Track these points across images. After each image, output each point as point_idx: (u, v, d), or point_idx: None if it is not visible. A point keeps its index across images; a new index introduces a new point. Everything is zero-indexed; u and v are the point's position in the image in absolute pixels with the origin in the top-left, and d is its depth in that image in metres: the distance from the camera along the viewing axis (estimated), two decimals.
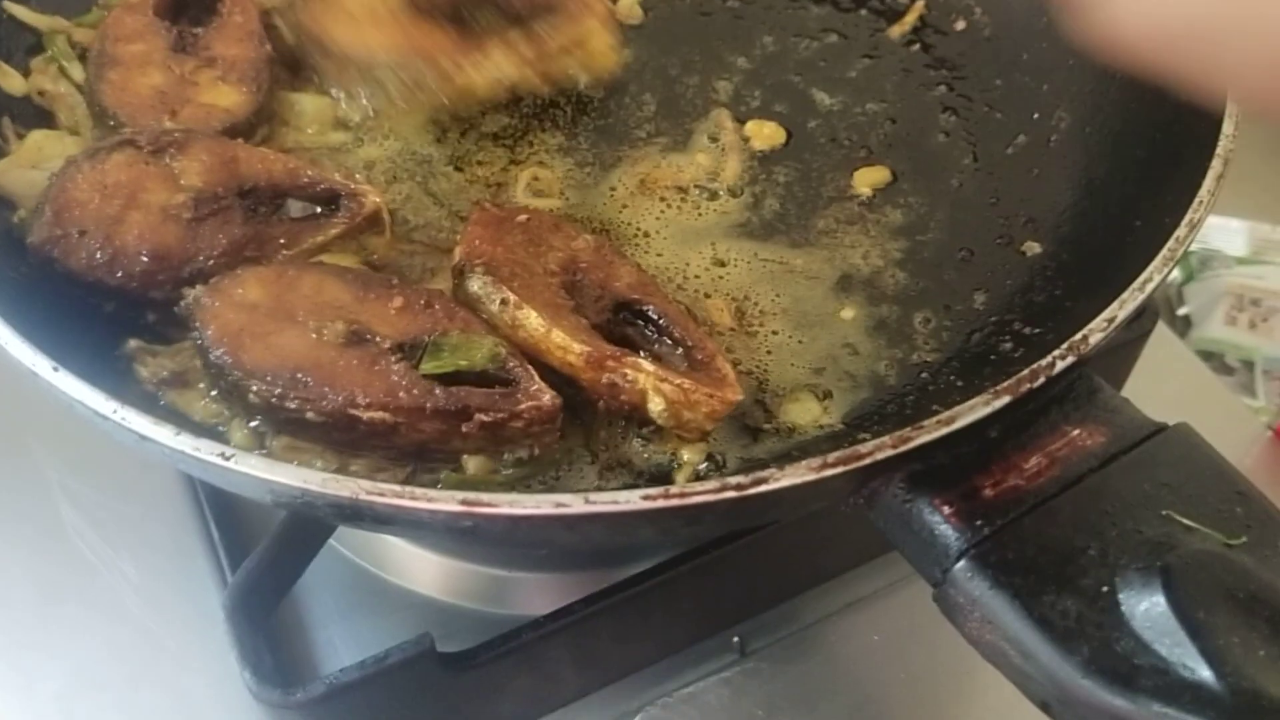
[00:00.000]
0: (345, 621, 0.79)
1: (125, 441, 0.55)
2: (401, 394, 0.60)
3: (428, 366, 0.62)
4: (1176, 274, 1.17)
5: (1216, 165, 0.63)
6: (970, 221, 0.76)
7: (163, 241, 0.67)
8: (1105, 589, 0.50)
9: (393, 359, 0.61)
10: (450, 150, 0.79)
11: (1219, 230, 1.19)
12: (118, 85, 0.76)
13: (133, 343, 0.67)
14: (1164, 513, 0.52)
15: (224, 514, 0.80)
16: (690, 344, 0.64)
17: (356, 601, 0.80)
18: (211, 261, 0.67)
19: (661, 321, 0.65)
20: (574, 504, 0.50)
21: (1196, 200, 0.61)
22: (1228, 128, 0.64)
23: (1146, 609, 0.49)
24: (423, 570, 0.80)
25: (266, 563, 0.65)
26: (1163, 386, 0.91)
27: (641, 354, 0.63)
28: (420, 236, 0.75)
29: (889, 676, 0.77)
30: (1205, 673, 0.46)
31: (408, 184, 0.77)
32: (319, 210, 0.72)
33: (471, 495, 0.51)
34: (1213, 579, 0.49)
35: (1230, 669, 0.46)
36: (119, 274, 0.66)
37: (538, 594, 0.79)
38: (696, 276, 0.73)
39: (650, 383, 0.61)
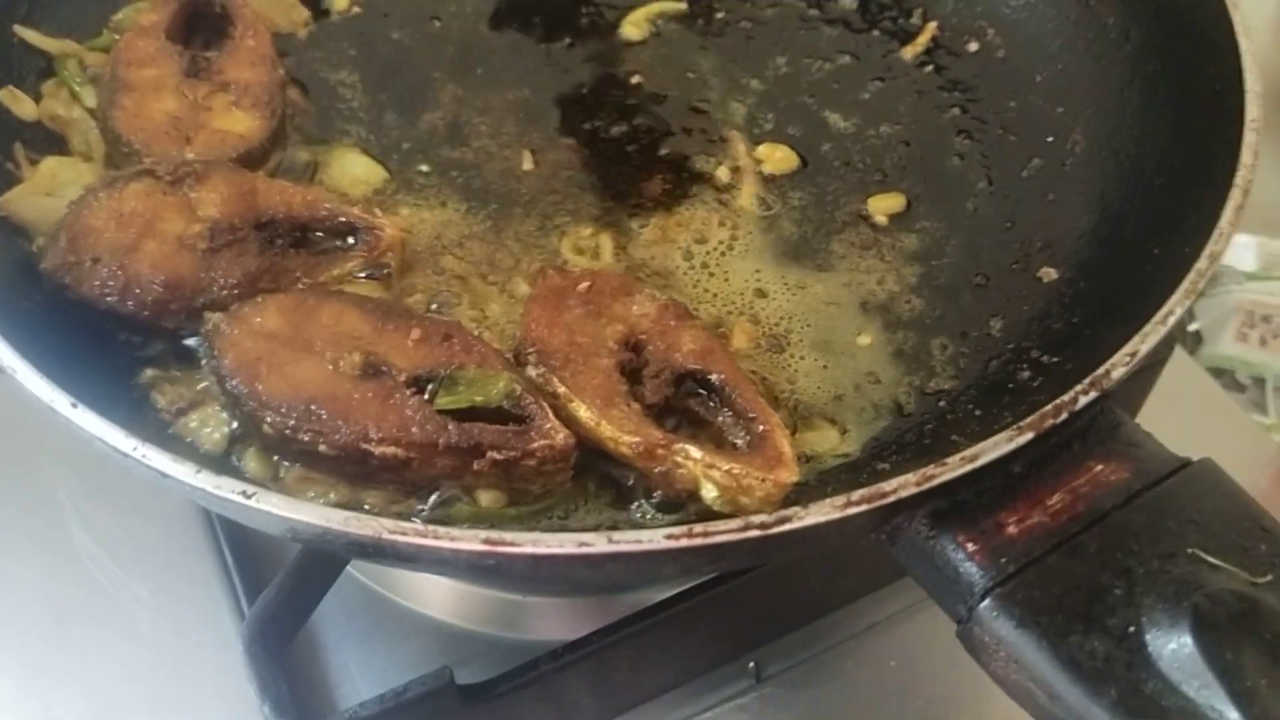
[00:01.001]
0: (362, 648, 0.78)
1: (145, 478, 0.55)
2: (414, 429, 0.60)
3: (442, 402, 0.61)
4: None
5: (1236, 196, 0.62)
6: (986, 246, 0.76)
7: (176, 271, 0.67)
8: (1132, 629, 0.49)
9: (408, 393, 0.61)
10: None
11: (1229, 246, 1.19)
12: (131, 111, 0.76)
13: (149, 372, 0.67)
14: (1190, 551, 0.52)
15: (239, 539, 0.80)
16: (751, 415, 0.62)
17: (373, 628, 0.80)
18: (225, 292, 0.67)
19: (725, 390, 0.63)
20: (597, 543, 0.50)
21: (1216, 232, 0.61)
22: (1246, 157, 0.64)
23: (1174, 650, 0.48)
24: (439, 597, 0.80)
25: (284, 594, 0.65)
26: (1174, 405, 0.91)
27: (696, 439, 0.61)
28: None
29: (905, 702, 0.77)
30: (1234, 715, 0.46)
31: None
32: (337, 243, 0.71)
33: (495, 535, 0.51)
34: (1240, 619, 0.49)
35: (1259, 711, 0.46)
36: (130, 302, 0.66)
37: (555, 619, 0.79)
38: (733, 301, 0.73)
39: (700, 469, 0.59)
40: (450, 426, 0.60)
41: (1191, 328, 1.16)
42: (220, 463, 0.63)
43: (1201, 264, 0.60)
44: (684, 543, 0.50)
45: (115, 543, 0.84)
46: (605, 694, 0.71)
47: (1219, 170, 0.65)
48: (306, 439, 0.60)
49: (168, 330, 0.67)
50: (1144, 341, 0.57)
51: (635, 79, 0.86)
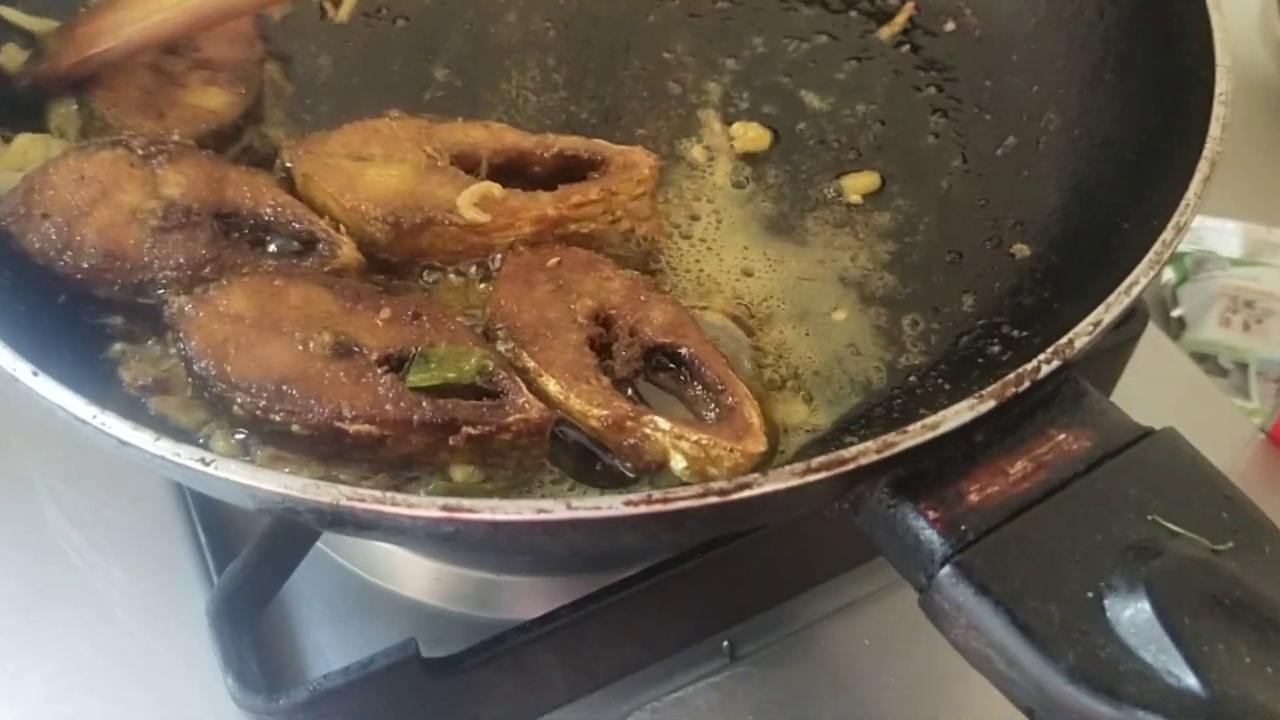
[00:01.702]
0: (333, 626, 0.78)
1: (106, 447, 0.55)
2: (388, 406, 0.60)
3: (414, 379, 0.61)
4: (1171, 276, 1.17)
5: (1203, 167, 0.62)
6: (959, 224, 0.76)
7: (119, 242, 0.66)
8: (1090, 595, 0.49)
9: (380, 371, 0.61)
10: None
11: (1214, 232, 1.19)
12: (108, 85, 0.75)
13: (116, 347, 0.67)
14: (1150, 518, 0.52)
15: (211, 518, 0.80)
16: (720, 387, 0.63)
17: (345, 606, 0.80)
18: (164, 274, 0.66)
19: (695, 363, 0.64)
20: (555, 509, 0.50)
21: (1183, 203, 0.61)
22: (1214, 130, 0.64)
23: (1132, 615, 0.48)
24: (412, 575, 0.80)
25: (251, 568, 0.65)
26: (1155, 389, 0.91)
27: (662, 414, 0.61)
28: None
29: (879, 681, 0.77)
30: (1190, 680, 0.46)
31: None
32: (294, 247, 0.70)
33: (453, 501, 0.50)
34: (1198, 585, 0.49)
35: (1216, 675, 0.46)
36: (64, 264, 0.66)
37: (527, 598, 0.79)
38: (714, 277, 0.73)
39: (669, 440, 0.60)
40: (424, 403, 0.60)
41: (1175, 314, 1.15)
42: (188, 440, 0.63)
43: (1167, 235, 0.60)
44: (643, 509, 0.50)
45: (89, 523, 0.84)
46: (575, 670, 0.71)
47: (1188, 144, 0.65)
48: (279, 419, 0.60)
49: (104, 300, 0.67)
50: (1108, 311, 0.57)
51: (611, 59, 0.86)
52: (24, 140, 0.76)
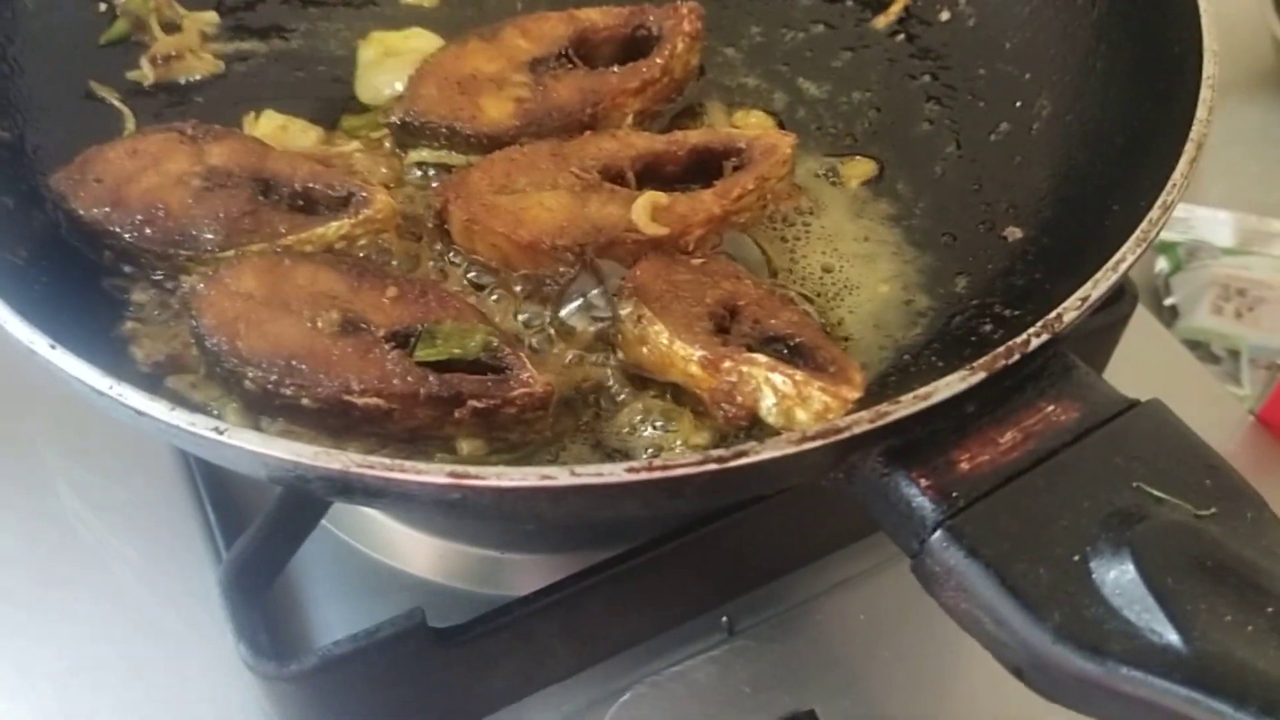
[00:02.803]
0: (341, 603, 0.80)
1: (121, 418, 0.56)
2: (395, 380, 0.62)
3: (421, 354, 0.63)
4: (1164, 265, 1.18)
5: (1190, 149, 0.64)
6: (953, 208, 0.78)
7: (164, 200, 0.71)
8: (1077, 558, 0.51)
9: (387, 347, 0.63)
10: None
11: (1207, 221, 1.20)
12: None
13: (129, 324, 0.69)
14: (1135, 485, 0.53)
15: (220, 497, 0.81)
16: (828, 357, 0.63)
17: (353, 584, 0.81)
18: (205, 228, 0.69)
19: (807, 348, 0.64)
20: (559, 476, 0.52)
21: (1170, 183, 0.62)
22: (1201, 113, 0.65)
23: (1116, 577, 0.50)
24: (418, 552, 0.82)
25: (261, 539, 0.66)
26: (1147, 374, 0.92)
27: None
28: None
29: (875, 655, 0.78)
30: (1172, 636, 0.48)
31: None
32: (327, 208, 0.73)
33: (459, 468, 0.52)
34: (1181, 548, 0.50)
35: (1197, 633, 0.48)
36: (113, 222, 0.70)
37: (531, 575, 0.80)
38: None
39: (763, 375, 0.61)
40: (431, 377, 0.62)
41: (1168, 302, 1.17)
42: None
43: (1154, 214, 0.61)
44: (644, 476, 0.52)
45: (101, 501, 0.85)
46: (577, 641, 0.73)
47: (1176, 128, 0.67)
48: (289, 393, 0.62)
49: (144, 259, 0.70)
50: (1095, 287, 0.58)
51: None
52: None
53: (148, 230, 0.70)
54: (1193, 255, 1.20)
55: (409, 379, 0.62)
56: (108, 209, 0.70)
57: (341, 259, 0.70)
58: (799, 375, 0.60)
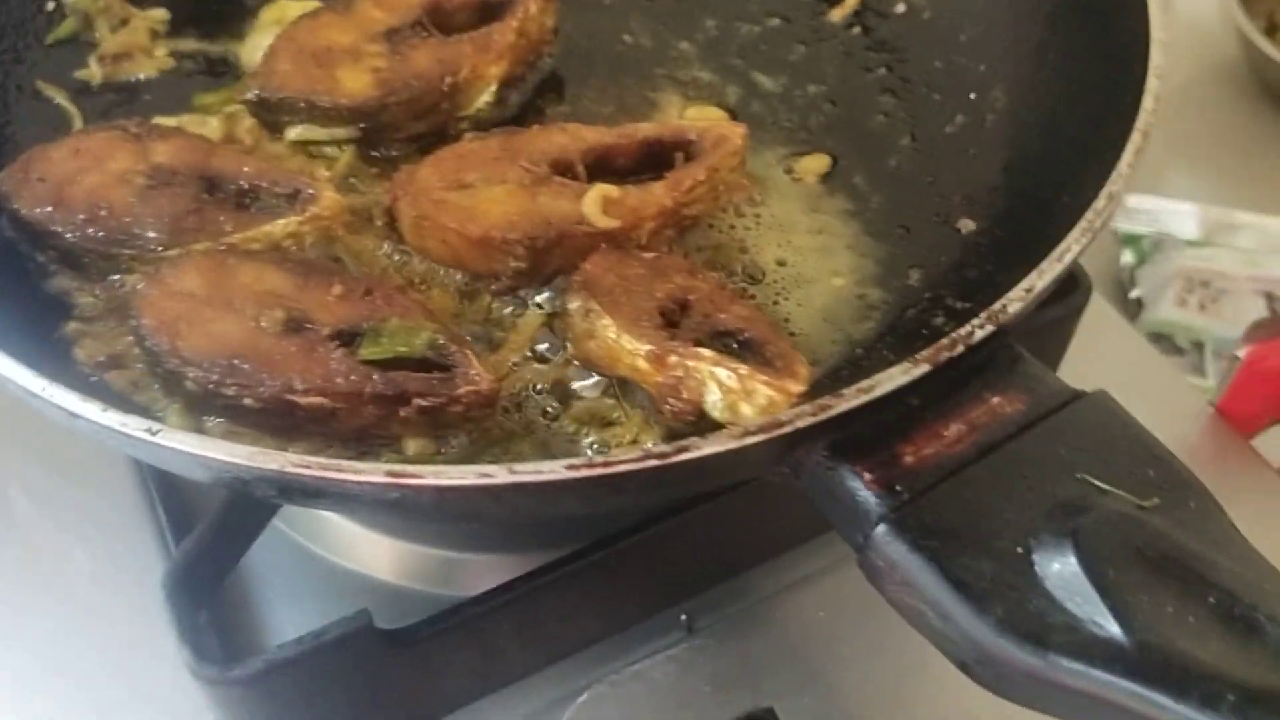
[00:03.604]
0: (296, 606, 0.79)
1: (56, 419, 0.56)
2: (339, 379, 0.61)
3: (366, 353, 0.62)
4: (1130, 258, 1.19)
5: (1136, 139, 0.64)
6: (908, 201, 0.77)
7: (108, 199, 0.70)
8: (1020, 550, 0.50)
9: (332, 345, 0.62)
10: None
11: (1171, 214, 1.21)
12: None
13: (71, 325, 0.68)
14: (1079, 476, 0.53)
15: (172, 501, 0.80)
16: (775, 352, 0.63)
17: (309, 587, 0.80)
18: (150, 229, 0.69)
19: (756, 343, 0.64)
20: (498, 474, 0.51)
21: (1115, 173, 0.62)
22: (1148, 103, 0.65)
23: (1059, 569, 0.49)
24: (375, 554, 0.81)
25: (207, 541, 0.66)
26: (1109, 368, 0.92)
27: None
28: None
29: (834, 652, 0.78)
30: (1114, 628, 0.47)
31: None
32: (275, 204, 0.72)
33: (397, 467, 0.51)
34: (1124, 539, 0.50)
35: (1139, 624, 0.47)
36: (57, 222, 0.69)
37: (490, 576, 0.79)
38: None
39: (708, 370, 0.61)
40: (375, 375, 0.61)
41: (1133, 295, 1.17)
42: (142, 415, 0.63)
43: (1099, 203, 0.61)
44: (584, 473, 0.51)
45: (54, 507, 0.84)
46: (532, 642, 0.72)
47: (1125, 118, 0.66)
48: (231, 392, 0.61)
49: (87, 259, 0.70)
50: (1040, 277, 0.58)
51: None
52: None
53: (90, 230, 0.68)
54: (1158, 248, 1.20)
55: (353, 378, 0.61)
56: (50, 208, 0.69)
57: (287, 257, 0.69)
58: (743, 369, 0.60)
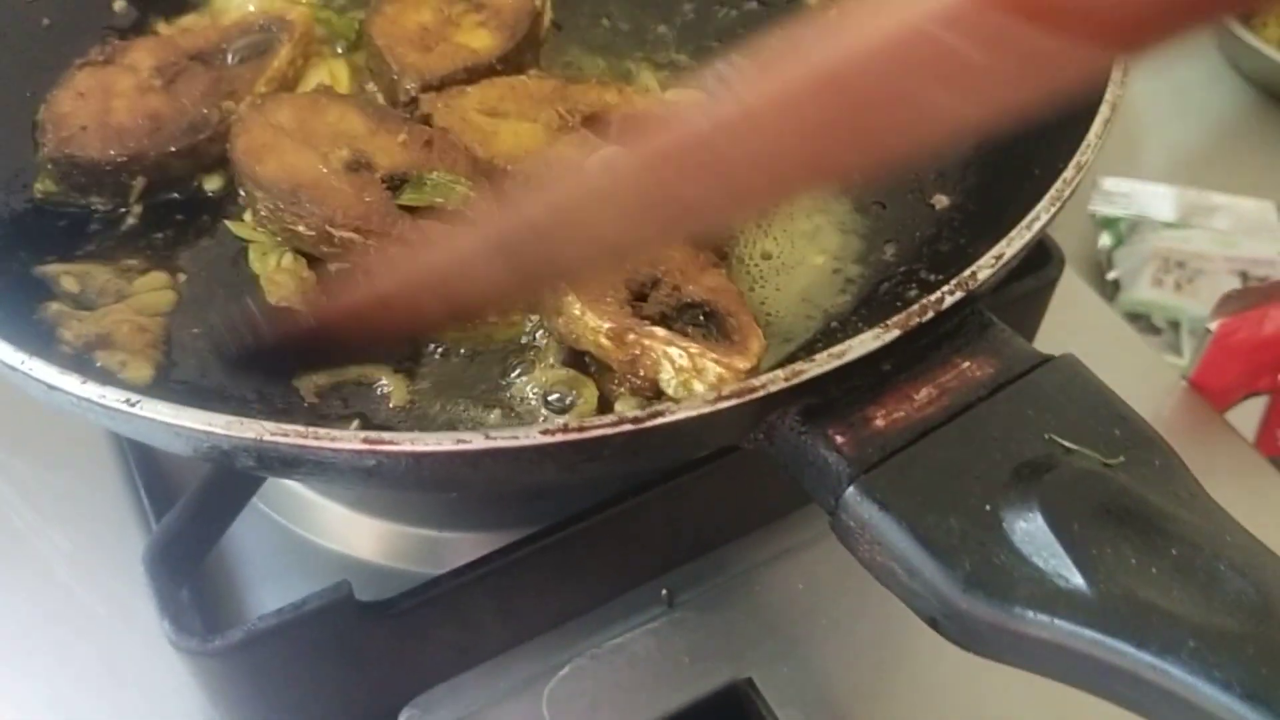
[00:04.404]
0: (277, 585, 0.79)
1: (34, 393, 0.56)
2: (374, 218, 0.68)
3: (405, 197, 0.69)
4: (1107, 240, 1.20)
5: (1104, 110, 0.65)
6: (884, 176, 0.78)
7: (151, 108, 0.76)
8: (988, 508, 0.51)
9: (381, 187, 0.70)
10: None
11: (1148, 196, 1.22)
12: (390, 18, 0.83)
13: (54, 306, 0.68)
14: (1047, 436, 0.54)
15: (154, 482, 0.81)
16: (734, 325, 0.64)
17: (290, 566, 0.81)
18: (204, 109, 0.76)
19: (721, 315, 0.65)
20: (474, 440, 0.52)
21: (1084, 144, 0.63)
22: (1116, 75, 0.66)
23: (1025, 525, 0.50)
24: (356, 532, 0.81)
25: (188, 516, 0.66)
26: (1085, 345, 0.92)
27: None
28: None
29: (813, 623, 0.79)
30: (1078, 580, 0.48)
31: None
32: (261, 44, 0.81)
33: (373, 434, 0.52)
34: (1089, 496, 0.51)
35: (1103, 576, 0.48)
36: (131, 145, 0.74)
37: (469, 554, 0.80)
38: None
39: (661, 349, 0.62)
40: (405, 221, 0.68)
41: (1110, 276, 1.18)
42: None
43: (1068, 173, 0.62)
44: (559, 438, 0.52)
45: (34, 489, 0.85)
46: (511, 615, 0.73)
47: (1096, 91, 0.67)
48: (288, 219, 0.69)
49: (174, 169, 0.76)
50: (1009, 245, 0.59)
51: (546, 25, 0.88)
52: None
53: (162, 136, 0.75)
54: (1134, 230, 1.21)
55: (387, 219, 0.68)
56: (118, 142, 0.74)
57: (371, 103, 0.78)
58: (694, 348, 0.61)
